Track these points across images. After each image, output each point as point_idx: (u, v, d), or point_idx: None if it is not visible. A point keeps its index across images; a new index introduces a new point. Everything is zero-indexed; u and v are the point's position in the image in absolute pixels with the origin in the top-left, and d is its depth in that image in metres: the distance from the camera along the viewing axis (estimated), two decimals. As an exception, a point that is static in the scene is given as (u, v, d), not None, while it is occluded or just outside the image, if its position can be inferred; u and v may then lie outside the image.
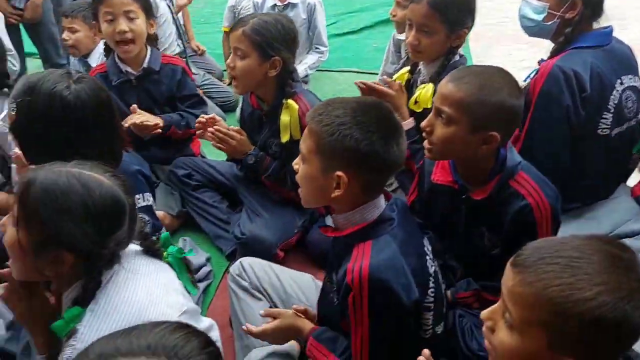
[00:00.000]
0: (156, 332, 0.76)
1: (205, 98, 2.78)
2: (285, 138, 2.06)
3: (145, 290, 1.19)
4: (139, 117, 2.24)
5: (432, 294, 1.37)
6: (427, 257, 1.39)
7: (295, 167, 1.37)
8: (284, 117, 2.03)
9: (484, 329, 1.01)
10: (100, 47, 3.00)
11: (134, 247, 1.28)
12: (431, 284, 1.38)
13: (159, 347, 0.74)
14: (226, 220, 2.26)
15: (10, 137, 1.66)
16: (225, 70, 4.15)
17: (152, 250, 1.31)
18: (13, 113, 1.50)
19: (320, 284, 1.69)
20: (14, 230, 1.12)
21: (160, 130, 2.29)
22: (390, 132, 1.29)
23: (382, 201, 1.34)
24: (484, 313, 1.01)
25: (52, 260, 1.11)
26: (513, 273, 0.93)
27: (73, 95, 1.47)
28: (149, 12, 2.33)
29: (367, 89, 1.99)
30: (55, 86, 1.47)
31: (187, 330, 0.79)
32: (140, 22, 2.27)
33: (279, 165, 2.15)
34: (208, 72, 3.88)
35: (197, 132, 2.17)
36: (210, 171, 2.35)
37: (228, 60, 2.09)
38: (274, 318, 1.50)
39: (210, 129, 2.12)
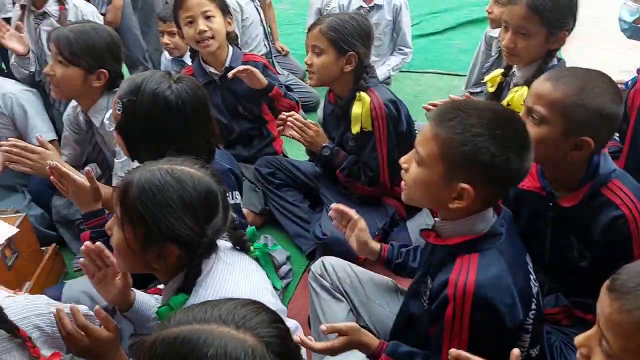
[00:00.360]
0: (229, 305, 0.84)
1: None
2: (355, 129, 2.10)
3: (249, 284, 1.25)
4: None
5: (533, 315, 1.31)
6: (531, 276, 1.33)
7: (405, 165, 1.31)
8: (356, 109, 2.08)
9: (578, 355, 0.96)
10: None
11: (225, 242, 1.34)
12: (533, 305, 1.31)
13: (229, 317, 0.81)
14: (307, 220, 2.30)
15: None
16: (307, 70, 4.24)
17: (241, 243, 1.36)
18: (119, 112, 1.60)
19: (401, 288, 1.69)
20: (120, 232, 1.20)
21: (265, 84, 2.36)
22: (525, 147, 1.22)
23: (491, 213, 1.29)
24: (578, 339, 0.96)
25: (158, 254, 1.18)
26: (610, 299, 0.87)
27: (175, 94, 1.55)
28: (225, 10, 2.42)
29: None
30: (158, 86, 1.55)
31: (258, 305, 0.86)
32: (218, 20, 2.36)
33: (353, 160, 2.18)
34: (291, 73, 3.96)
35: (279, 128, 2.24)
36: (293, 170, 2.41)
37: (306, 59, 2.18)
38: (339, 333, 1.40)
39: (290, 118, 2.20)
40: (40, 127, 2.49)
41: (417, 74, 4.08)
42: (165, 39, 3.08)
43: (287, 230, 2.36)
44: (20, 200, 2.40)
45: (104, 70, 2.06)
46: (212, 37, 2.34)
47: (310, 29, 2.14)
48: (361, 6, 3.50)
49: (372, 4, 3.49)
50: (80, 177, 1.70)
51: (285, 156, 2.64)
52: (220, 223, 1.21)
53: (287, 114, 2.22)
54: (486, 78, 2.09)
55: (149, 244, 1.17)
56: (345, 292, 1.68)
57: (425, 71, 4.13)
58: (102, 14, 3.27)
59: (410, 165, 1.29)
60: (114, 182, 2.14)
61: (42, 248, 2.20)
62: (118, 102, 1.60)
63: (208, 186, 1.19)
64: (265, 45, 3.58)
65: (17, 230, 1.97)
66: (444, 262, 1.28)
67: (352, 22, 2.09)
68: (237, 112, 2.44)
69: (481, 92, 3.01)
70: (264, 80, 2.36)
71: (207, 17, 2.33)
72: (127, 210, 1.18)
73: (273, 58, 3.66)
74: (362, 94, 2.08)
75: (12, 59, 2.64)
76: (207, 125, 1.64)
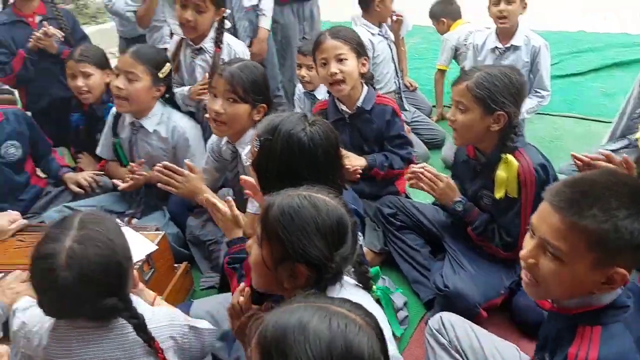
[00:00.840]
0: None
1: (411, 137, 2.84)
2: (499, 194, 1.99)
3: None
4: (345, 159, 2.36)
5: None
6: None
7: (531, 261, 1.20)
8: (501, 173, 1.96)
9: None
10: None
11: (348, 279, 1.37)
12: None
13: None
14: (427, 266, 2.25)
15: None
16: (434, 107, 4.20)
17: (364, 280, 1.41)
18: (256, 150, 1.70)
19: (524, 356, 1.59)
20: (258, 250, 1.30)
21: (358, 176, 2.40)
22: None
23: None
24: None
25: (290, 274, 1.25)
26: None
27: (308, 137, 1.61)
28: (361, 52, 2.45)
29: (584, 165, 1.81)
30: (293, 128, 1.63)
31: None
32: (351, 63, 2.40)
33: (487, 219, 2.09)
34: (418, 109, 3.94)
35: (410, 181, 2.19)
36: (416, 213, 2.37)
37: (449, 114, 2.10)
38: None
39: (420, 170, 2.15)
40: (197, 161, 2.63)
41: (554, 117, 3.88)
42: (303, 72, 3.18)
43: (405, 275, 2.33)
44: (160, 218, 2.61)
45: (264, 105, 2.23)
46: (343, 81, 2.39)
47: (455, 84, 2.05)
48: (496, 47, 3.40)
49: (508, 45, 3.38)
50: (223, 206, 1.83)
51: (407, 197, 2.62)
52: (348, 251, 1.27)
53: (416, 166, 2.18)
54: (637, 134, 1.92)
55: (282, 262, 1.25)
56: (464, 352, 1.62)
57: (562, 115, 3.91)
58: (247, 45, 3.51)
59: (539, 259, 1.19)
60: (248, 207, 2.26)
61: (175, 265, 2.37)
62: (256, 140, 1.69)
63: (340, 215, 1.26)
64: (395, 82, 3.60)
65: (156, 247, 2.14)
66: (562, 333, 1.21)
67: (504, 78, 1.96)
68: (362, 151, 2.47)
69: (626, 147, 2.77)
70: (359, 169, 2.38)
71: (340, 60, 2.39)
72: (266, 229, 1.27)
73: (402, 93, 3.67)
74: (509, 157, 1.96)
75: (178, 93, 2.84)
76: (336, 168, 1.69)
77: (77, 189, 2.80)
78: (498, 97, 1.94)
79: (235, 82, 2.16)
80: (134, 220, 2.72)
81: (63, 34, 3.09)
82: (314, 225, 1.23)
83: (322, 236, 1.23)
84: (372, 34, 3.44)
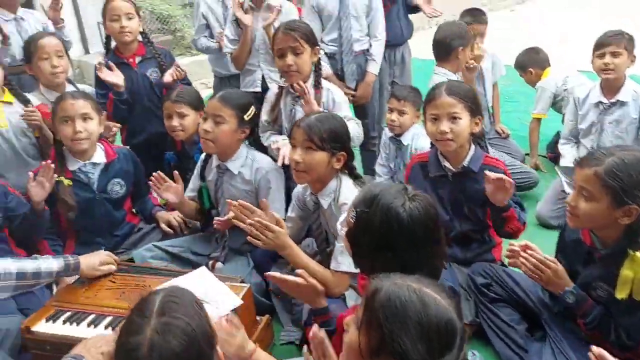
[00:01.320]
0: None
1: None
2: (622, 295, 1.78)
3: None
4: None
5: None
6: None
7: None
8: (627, 272, 1.75)
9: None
10: (415, 128, 3.20)
11: None
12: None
13: None
14: (523, 346, 2.07)
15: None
16: (527, 155, 4.00)
17: None
18: (352, 220, 1.65)
19: None
20: (356, 333, 1.22)
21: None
22: None
23: None
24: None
25: None
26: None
27: (407, 213, 1.54)
28: (475, 111, 2.34)
29: None
30: (392, 202, 1.56)
31: None
32: (463, 123, 2.30)
33: (602, 312, 1.88)
34: (510, 156, 3.78)
35: (510, 260, 2.01)
36: (512, 286, 2.19)
37: (568, 198, 1.89)
38: None
39: (523, 254, 1.95)
40: (277, 204, 2.67)
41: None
42: (393, 116, 3.15)
43: (497, 351, 2.17)
44: (244, 265, 2.61)
45: (344, 153, 2.25)
46: (452, 140, 2.30)
47: (581, 166, 1.83)
48: (600, 102, 3.21)
49: (614, 100, 3.18)
50: (300, 280, 1.81)
51: (503, 265, 2.44)
52: None
53: (519, 244, 1.98)
54: None
55: (378, 355, 1.16)
56: None
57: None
58: (353, 89, 3.51)
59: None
60: (332, 265, 2.22)
61: (257, 318, 2.34)
62: (352, 211, 1.64)
63: (449, 318, 1.16)
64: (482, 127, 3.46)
65: (242, 302, 2.13)
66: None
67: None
68: (461, 212, 2.35)
69: None
70: (504, 200, 2.22)
71: (453, 119, 2.29)
72: (369, 313, 1.20)
73: (489, 140, 3.51)
74: (638, 255, 1.75)
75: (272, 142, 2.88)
76: (435, 246, 1.60)
77: (167, 229, 2.87)
78: (632, 190, 1.73)
79: (312, 131, 2.20)
80: (218, 264, 2.75)
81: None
82: (418, 325, 1.13)
83: (426, 339, 1.13)
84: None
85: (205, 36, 3.78)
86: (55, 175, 2.59)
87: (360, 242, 1.62)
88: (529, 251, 1.94)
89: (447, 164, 2.39)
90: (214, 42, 3.72)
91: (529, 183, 3.53)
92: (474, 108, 2.33)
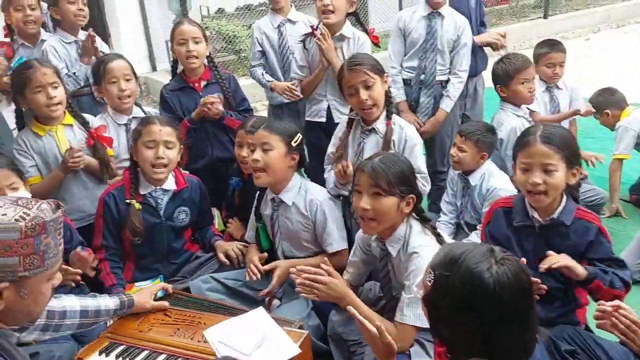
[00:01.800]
0: None
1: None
2: None
3: None
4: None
5: None
6: None
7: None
8: None
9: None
10: (485, 167, 3.01)
11: None
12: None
13: None
14: None
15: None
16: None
17: None
18: (429, 283, 1.49)
19: None
20: None
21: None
22: None
23: None
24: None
25: None
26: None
27: (494, 278, 1.36)
28: (573, 162, 2.10)
29: None
30: (477, 266, 1.38)
31: None
32: (559, 175, 2.07)
33: None
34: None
35: (598, 322, 1.78)
36: (601, 355, 1.96)
37: None
38: None
39: (617, 313, 1.72)
40: (335, 236, 2.60)
41: None
42: (452, 151, 3.04)
43: None
44: (303, 305, 2.48)
45: (413, 196, 2.11)
46: (545, 193, 2.08)
47: None
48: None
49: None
50: (374, 331, 1.67)
51: (588, 329, 2.21)
52: None
53: (611, 304, 1.73)
54: None
55: None
56: None
57: None
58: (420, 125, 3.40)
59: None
60: (397, 317, 2.07)
61: (314, 364, 2.21)
62: (430, 273, 1.49)
63: None
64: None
65: (299, 351, 2.00)
66: None
67: None
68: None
69: None
70: (581, 270, 2.03)
71: (548, 170, 2.07)
72: None
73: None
74: None
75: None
76: (525, 319, 1.41)
77: (225, 259, 2.80)
78: None
79: (378, 175, 2.06)
80: (275, 301, 2.65)
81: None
82: None
83: None
84: (517, 116, 3.28)
85: (262, 64, 3.73)
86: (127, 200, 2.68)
87: (438, 307, 1.46)
88: (621, 310, 1.72)
89: (535, 215, 2.17)
90: (268, 80, 3.66)
91: (597, 200, 3.37)
92: (572, 159, 2.10)
